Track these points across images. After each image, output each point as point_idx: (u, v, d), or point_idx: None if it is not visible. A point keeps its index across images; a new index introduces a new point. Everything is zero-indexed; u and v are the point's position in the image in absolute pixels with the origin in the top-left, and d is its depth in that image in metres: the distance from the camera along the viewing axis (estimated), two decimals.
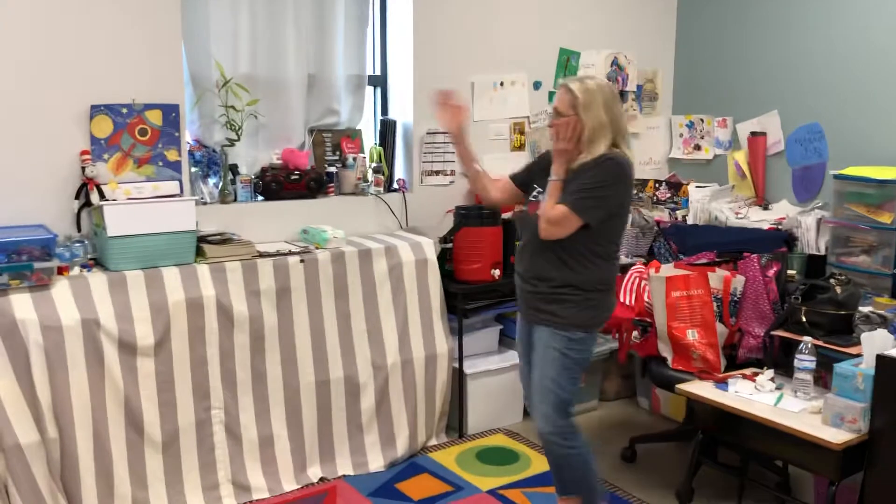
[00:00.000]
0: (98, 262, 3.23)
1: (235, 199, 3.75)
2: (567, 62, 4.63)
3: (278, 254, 3.48)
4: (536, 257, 2.84)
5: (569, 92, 2.73)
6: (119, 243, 3.12)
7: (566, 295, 2.79)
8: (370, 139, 4.35)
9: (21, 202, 3.16)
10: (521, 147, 4.53)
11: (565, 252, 2.77)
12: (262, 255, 3.44)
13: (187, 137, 3.63)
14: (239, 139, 3.71)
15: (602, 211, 2.71)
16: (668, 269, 3.77)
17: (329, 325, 3.57)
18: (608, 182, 2.69)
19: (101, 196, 3.26)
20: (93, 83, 3.26)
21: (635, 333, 3.84)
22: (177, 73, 3.46)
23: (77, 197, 3.25)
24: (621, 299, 3.78)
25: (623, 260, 4.47)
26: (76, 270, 3.11)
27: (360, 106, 4.23)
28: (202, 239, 3.37)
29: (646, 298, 3.76)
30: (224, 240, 3.41)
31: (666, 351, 3.62)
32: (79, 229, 3.29)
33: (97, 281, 3.06)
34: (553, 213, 2.70)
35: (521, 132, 4.52)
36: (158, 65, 3.40)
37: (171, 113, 3.44)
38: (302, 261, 3.50)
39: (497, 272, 3.92)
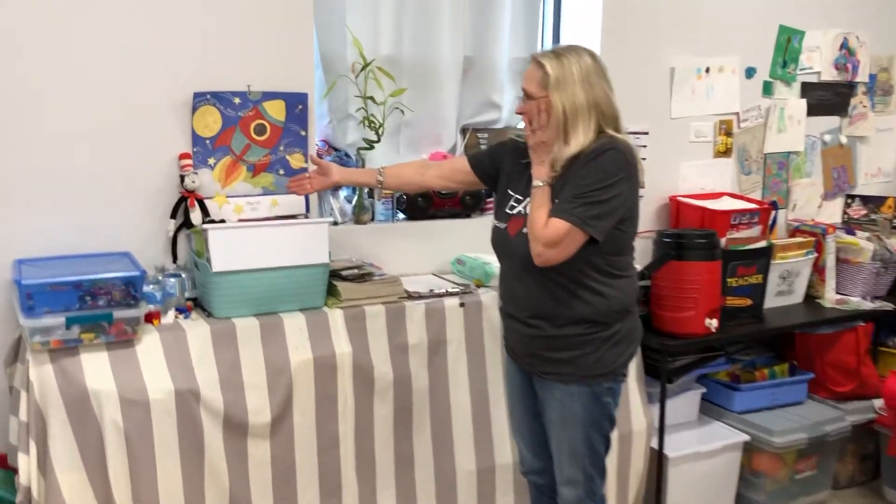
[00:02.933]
0: (199, 304, 2.41)
1: (373, 219, 2.88)
2: (788, 43, 3.58)
3: (432, 294, 2.59)
4: (532, 290, 2.10)
5: (539, 67, 2.04)
6: (227, 281, 2.29)
7: (581, 336, 2.07)
8: None
9: (100, 221, 2.37)
10: (726, 152, 3.51)
11: (570, 279, 2.04)
12: (411, 296, 2.56)
13: (316, 138, 2.78)
14: (379, 140, 2.84)
15: (610, 218, 1.99)
16: None
17: (495, 392, 2.65)
18: (611, 178, 1.97)
19: (205, 214, 2.44)
20: (196, 63, 2.44)
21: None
22: (306, 52, 2.62)
23: (173, 215, 2.44)
24: None
25: (864, 304, 3.39)
26: (170, 317, 2.29)
27: None
28: (335, 274, 2.51)
29: None
30: (362, 275, 2.54)
31: None
32: (174, 258, 2.48)
33: (197, 333, 2.24)
34: (549, 232, 1.95)
35: (728, 133, 3.50)
36: (282, 41, 2.56)
37: (296, 104, 2.59)
38: (462, 304, 2.60)
39: (714, 323, 2.92)
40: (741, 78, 3.49)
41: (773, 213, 3.43)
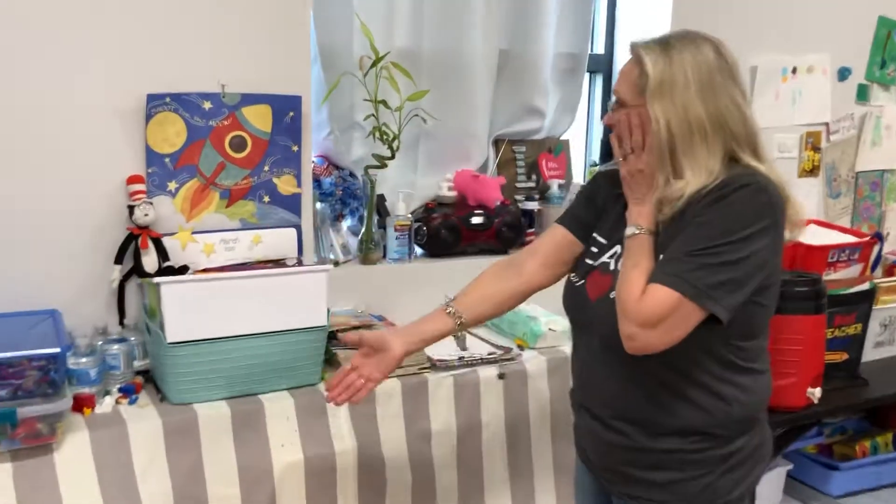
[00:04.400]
0: (152, 380, 1.79)
1: (384, 256, 2.26)
2: (888, 39, 2.95)
3: (462, 363, 1.96)
4: (620, 383, 1.44)
5: (636, 63, 1.39)
6: (188, 356, 1.67)
7: (687, 452, 1.42)
8: (580, 154, 2.80)
9: (18, 268, 1.75)
10: (812, 171, 2.89)
11: (677, 371, 1.39)
12: (435, 365, 1.94)
13: (312, 154, 2.16)
14: (393, 156, 2.22)
15: (743, 288, 1.32)
16: None
17: (545, 498, 2.03)
18: (747, 228, 1.31)
19: (163, 257, 1.82)
20: (151, 55, 1.82)
21: None
22: (299, 42, 1.99)
23: (119, 259, 1.82)
24: None
25: None
26: (108, 403, 1.67)
27: (573, 103, 2.68)
28: (334, 336, 1.89)
29: None
30: None
31: None
32: (121, 317, 1.86)
33: (144, 428, 1.61)
34: (648, 306, 1.30)
35: (816, 147, 2.88)
36: (269, 28, 1.93)
37: (286, 111, 1.97)
38: (501, 375, 1.98)
39: (817, 392, 2.29)
40: (833, 80, 2.87)
41: (877, 246, 2.80)
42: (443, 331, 1.58)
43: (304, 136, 2.01)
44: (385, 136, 2.20)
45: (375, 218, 2.25)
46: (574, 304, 1.51)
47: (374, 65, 2.13)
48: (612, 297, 1.38)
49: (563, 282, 1.57)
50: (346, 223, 2.28)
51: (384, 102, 2.17)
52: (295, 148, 2.00)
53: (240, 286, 1.72)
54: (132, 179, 1.81)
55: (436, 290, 2.24)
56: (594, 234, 1.53)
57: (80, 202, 1.78)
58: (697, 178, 1.33)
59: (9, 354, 1.47)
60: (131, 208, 1.80)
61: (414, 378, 1.89)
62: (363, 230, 2.21)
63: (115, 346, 1.75)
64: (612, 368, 1.43)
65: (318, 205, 2.16)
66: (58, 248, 1.78)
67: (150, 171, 1.84)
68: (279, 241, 2.00)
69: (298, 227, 2.03)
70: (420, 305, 2.20)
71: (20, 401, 1.48)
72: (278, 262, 1.93)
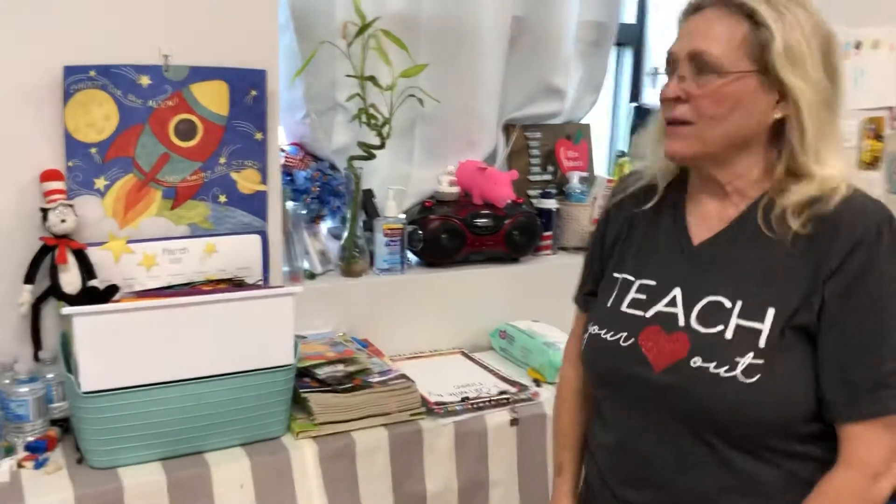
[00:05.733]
0: (70, 434, 1.41)
1: (372, 265, 1.87)
2: None
3: (466, 406, 1.58)
4: (691, 470, 1.04)
5: (741, 17, 1.01)
6: (108, 408, 1.28)
7: None
8: (604, 142, 2.41)
9: None
10: (872, 163, 2.50)
11: (786, 453, 1.02)
12: (432, 409, 1.55)
13: (282, 141, 1.76)
14: (383, 145, 1.82)
15: None
16: None
17: None
18: None
19: (87, 273, 1.44)
20: (70, 18, 1.41)
21: None
22: (266, 5, 1.59)
23: (29, 278, 1.43)
24: None
25: None
26: (4, 468, 1.28)
27: (598, 81, 2.28)
28: (305, 374, 1.51)
29: None
30: (351, 375, 1.53)
31: None
32: (36, 348, 1.47)
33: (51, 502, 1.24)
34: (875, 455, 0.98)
35: (878, 136, 2.48)
36: None
37: (247, 88, 1.57)
38: (515, 420, 1.59)
39: None
40: None
41: None
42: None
43: (271, 121, 1.61)
44: (373, 121, 1.80)
45: (361, 219, 1.85)
46: (615, 368, 1.10)
47: (360, 32, 1.73)
48: (695, 364, 1.00)
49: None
50: (325, 226, 1.88)
51: (372, 79, 1.77)
52: (259, 135, 1.60)
53: (176, 316, 1.33)
54: (47, 176, 1.42)
55: (433, 308, 1.88)
56: (615, 274, 1.14)
57: None
58: (830, 172, 0.99)
59: None
60: (45, 212, 1.41)
61: (404, 426, 1.51)
62: (345, 235, 1.82)
63: (24, 389, 1.36)
64: (683, 453, 1.04)
65: (290, 204, 1.77)
66: None
67: (70, 164, 1.45)
68: (239, 250, 1.61)
69: (263, 233, 1.64)
70: (413, 326, 1.84)
71: None
72: (234, 282, 1.54)
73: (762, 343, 0.97)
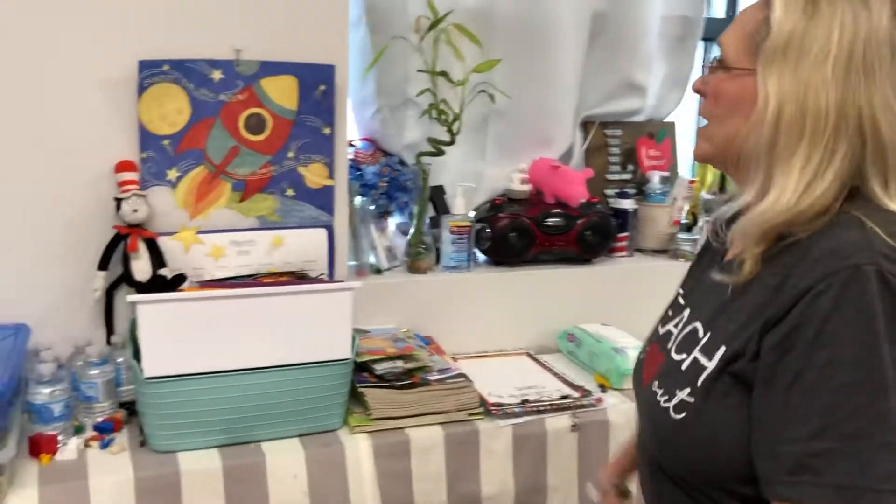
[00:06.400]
0: (135, 417, 1.45)
1: (438, 262, 1.86)
2: None
3: (525, 409, 1.54)
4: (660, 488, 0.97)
5: (764, 7, 0.87)
6: (169, 395, 1.32)
7: None
8: (688, 141, 2.31)
9: None
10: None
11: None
12: (490, 410, 1.52)
13: (353, 136, 1.77)
14: (453, 141, 1.80)
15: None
16: None
17: None
18: (871, 363, 0.75)
19: (158, 262, 1.49)
20: (145, 14, 1.46)
21: None
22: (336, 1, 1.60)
23: (104, 265, 1.48)
24: None
25: None
26: (73, 446, 1.34)
27: (682, 78, 2.19)
28: (363, 368, 1.51)
29: None
30: (409, 371, 1.52)
31: None
32: (109, 333, 1.53)
33: (110, 484, 1.27)
34: None
35: None
36: None
37: (317, 83, 1.58)
38: (575, 426, 1.55)
39: None
40: None
41: None
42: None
43: (339, 116, 1.62)
44: (444, 116, 1.78)
45: (429, 216, 1.84)
46: (634, 382, 1.06)
47: (432, 27, 1.72)
48: (653, 388, 0.95)
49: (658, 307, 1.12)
50: (392, 222, 1.88)
51: (444, 74, 1.76)
52: (327, 130, 1.61)
53: (237, 307, 1.35)
54: (122, 167, 1.47)
55: (499, 307, 1.85)
56: (680, 288, 1.08)
57: (57, 194, 1.45)
58: (779, 198, 0.82)
59: None
60: (119, 202, 1.46)
61: (461, 426, 1.49)
62: (412, 230, 1.81)
63: (94, 371, 1.42)
64: (659, 489, 0.98)
65: (358, 199, 1.78)
66: (29, 250, 1.45)
67: (144, 156, 1.49)
68: (305, 243, 1.63)
69: (330, 227, 1.65)
70: (478, 325, 1.82)
71: None
72: (297, 275, 1.55)
73: (700, 381, 0.87)
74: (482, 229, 1.86)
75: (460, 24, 1.74)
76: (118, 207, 1.46)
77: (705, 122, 0.95)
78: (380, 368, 1.50)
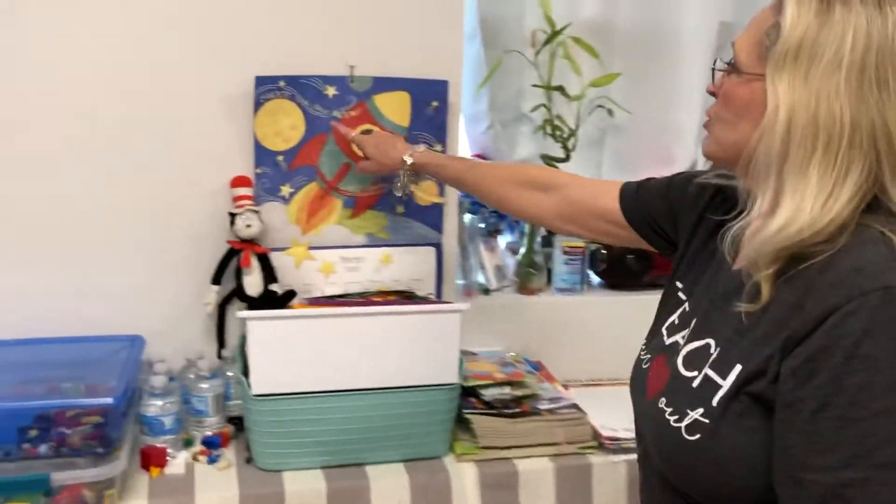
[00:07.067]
0: (242, 432, 1.45)
1: (549, 283, 1.79)
2: None
3: None
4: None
5: (776, 9, 0.81)
6: (276, 412, 1.31)
7: None
8: None
9: (99, 283, 1.47)
10: None
11: None
12: (604, 444, 1.44)
13: (462, 153, 1.73)
14: (568, 157, 1.74)
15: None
16: None
17: None
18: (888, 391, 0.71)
19: (269, 277, 1.49)
20: (262, 30, 1.46)
21: None
22: (452, 13, 1.56)
23: (217, 279, 1.49)
24: None
25: None
26: (181, 459, 1.34)
27: None
28: (470, 393, 1.46)
29: None
30: (517, 399, 1.46)
31: None
32: (220, 346, 1.54)
33: (216, 501, 1.27)
34: None
35: None
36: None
37: (429, 99, 1.55)
38: None
39: None
40: None
41: None
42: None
43: (451, 132, 1.58)
44: (559, 132, 1.72)
45: (540, 235, 1.78)
46: (634, 390, 1.01)
47: (549, 40, 1.67)
48: (660, 404, 0.90)
49: None
50: (502, 240, 1.83)
51: (560, 89, 1.69)
52: (438, 147, 1.57)
53: (344, 326, 1.33)
54: (237, 182, 1.48)
55: (613, 333, 1.76)
56: (676, 281, 1.02)
57: (174, 208, 1.47)
58: (796, 216, 0.76)
59: (50, 402, 1.18)
60: (233, 217, 1.47)
61: (573, 459, 1.41)
62: (523, 252, 1.75)
63: (205, 385, 1.43)
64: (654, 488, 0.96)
65: (467, 217, 1.73)
66: (145, 262, 1.48)
67: (258, 171, 1.50)
68: (414, 261, 1.60)
69: (439, 246, 1.61)
70: (591, 352, 1.74)
71: (63, 459, 1.18)
72: (405, 294, 1.52)
73: (715, 401, 0.82)
74: (597, 250, 1.78)
75: (578, 36, 1.67)
76: (232, 222, 1.46)
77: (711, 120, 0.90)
78: (487, 394, 1.44)
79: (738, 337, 0.82)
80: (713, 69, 0.90)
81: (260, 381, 1.30)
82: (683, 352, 0.90)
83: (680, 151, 1.94)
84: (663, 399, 0.90)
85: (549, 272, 1.77)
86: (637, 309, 1.77)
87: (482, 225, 1.76)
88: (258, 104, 1.47)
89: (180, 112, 1.44)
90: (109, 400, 1.19)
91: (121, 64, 1.40)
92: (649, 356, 1.00)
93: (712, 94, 0.90)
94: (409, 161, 1.36)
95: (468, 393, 1.45)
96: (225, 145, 1.48)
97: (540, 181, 1.24)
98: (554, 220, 1.22)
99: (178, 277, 1.50)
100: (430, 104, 1.55)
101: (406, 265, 1.59)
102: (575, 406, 1.46)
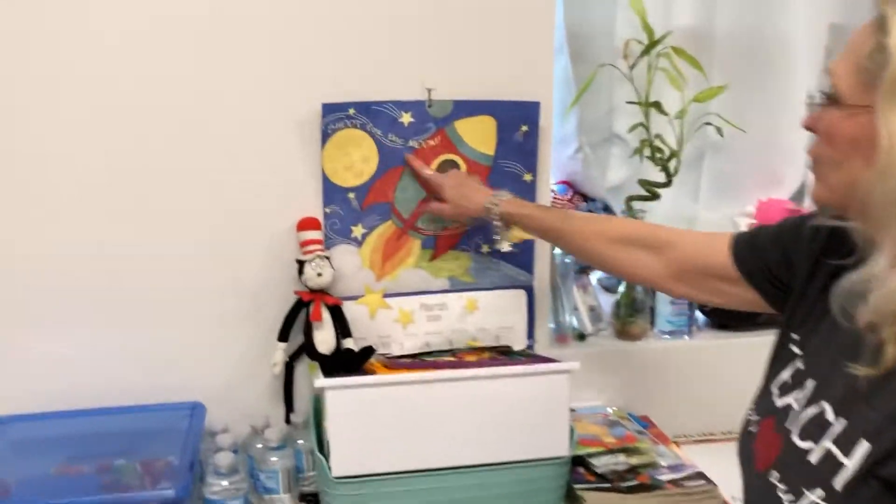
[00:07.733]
0: None
1: (652, 326, 1.58)
2: None
3: None
4: None
5: (876, 30, 0.70)
6: (360, 496, 1.12)
7: None
8: None
9: (152, 345, 1.30)
10: None
11: None
12: None
13: (552, 183, 1.53)
14: (670, 182, 1.53)
15: None
16: None
17: None
18: None
19: (342, 331, 1.30)
20: (329, 53, 1.28)
21: None
22: (541, 27, 1.36)
23: (283, 335, 1.31)
24: None
25: None
26: None
27: None
28: (577, 462, 1.26)
29: None
30: (633, 469, 1.25)
31: None
32: (289, 411, 1.35)
33: None
34: None
35: None
36: (496, 10, 1.32)
37: (518, 123, 1.36)
38: None
39: None
40: None
41: None
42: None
43: (542, 159, 1.39)
44: (658, 154, 1.52)
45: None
46: (741, 456, 0.92)
47: (646, 51, 1.46)
48: (771, 479, 0.82)
49: None
50: (594, 277, 1.62)
51: (658, 105, 1.49)
52: (528, 177, 1.38)
53: (438, 393, 1.13)
54: (305, 224, 1.30)
55: (726, 380, 1.53)
56: (794, 345, 0.89)
57: (234, 257, 1.30)
58: None
59: (102, 498, 1.00)
60: (301, 264, 1.29)
61: None
62: (621, 292, 1.55)
63: (274, 458, 1.25)
64: None
65: (556, 251, 1.53)
66: (202, 319, 1.30)
67: (327, 210, 1.32)
68: (502, 306, 1.41)
69: (530, 288, 1.42)
70: (702, 402, 1.53)
71: None
72: (498, 349, 1.33)
73: (839, 484, 0.73)
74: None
75: (677, 45, 1.47)
76: (300, 271, 1.28)
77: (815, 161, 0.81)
78: (599, 465, 1.24)
79: (864, 406, 0.73)
80: (808, 102, 0.80)
81: (341, 462, 1.11)
82: (801, 420, 0.81)
83: (788, 171, 1.72)
84: (776, 473, 0.82)
85: (652, 312, 1.56)
86: (752, 352, 1.55)
87: (572, 262, 1.56)
88: (325, 135, 1.29)
89: (238, 150, 1.26)
90: (171, 493, 1.02)
91: (194, 94, 1.24)
92: (757, 418, 0.91)
93: (809, 129, 0.82)
94: (497, 210, 1.21)
95: (575, 461, 1.25)
96: (289, 183, 1.30)
97: (643, 239, 1.11)
98: (666, 283, 1.09)
99: (238, 335, 1.32)
100: (518, 129, 1.36)
101: (494, 311, 1.40)
102: (702, 475, 1.25)
